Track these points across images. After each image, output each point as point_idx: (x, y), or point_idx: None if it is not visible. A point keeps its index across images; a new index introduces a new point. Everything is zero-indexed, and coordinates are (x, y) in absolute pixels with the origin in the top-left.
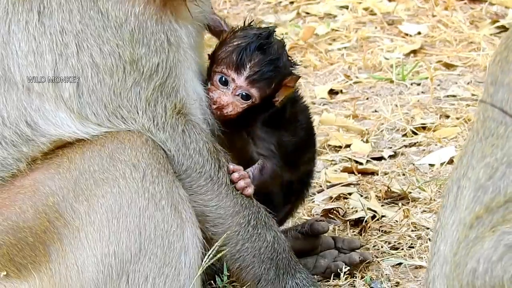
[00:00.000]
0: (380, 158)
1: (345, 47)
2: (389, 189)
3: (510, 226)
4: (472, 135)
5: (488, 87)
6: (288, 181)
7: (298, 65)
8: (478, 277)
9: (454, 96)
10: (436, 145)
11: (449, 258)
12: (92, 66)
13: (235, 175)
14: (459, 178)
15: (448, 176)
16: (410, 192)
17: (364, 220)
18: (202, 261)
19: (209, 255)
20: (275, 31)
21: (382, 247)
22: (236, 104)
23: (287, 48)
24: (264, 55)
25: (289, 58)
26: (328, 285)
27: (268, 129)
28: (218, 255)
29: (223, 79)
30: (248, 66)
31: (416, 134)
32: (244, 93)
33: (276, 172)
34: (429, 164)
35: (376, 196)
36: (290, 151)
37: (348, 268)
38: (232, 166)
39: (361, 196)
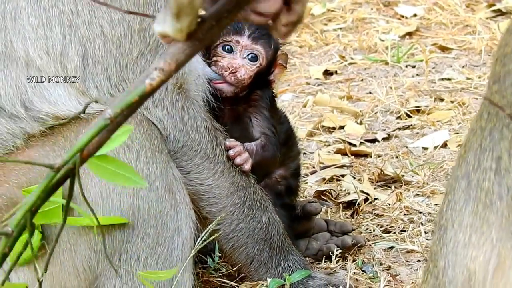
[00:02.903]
0: (373, 140)
1: (340, 28)
2: (382, 172)
3: None
4: (470, 134)
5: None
6: (285, 180)
7: (287, 43)
8: None
9: (449, 79)
10: (430, 128)
11: (483, 249)
12: (100, 36)
13: (231, 152)
14: (467, 173)
15: (441, 160)
16: (403, 176)
17: (357, 203)
18: (194, 242)
19: (203, 236)
20: None
21: (374, 230)
22: (247, 67)
23: None
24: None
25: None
26: (319, 267)
27: (270, 111)
28: (212, 237)
29: (227, 47)
30: (246, 27)
31: (410, 116)
32: (251, 54)
33: (276, 153)
34: (423, 147)
35: (369, 178)
36: (281, 140)
37: (340, 250)
38: (228, 143)
39: (354, 178)
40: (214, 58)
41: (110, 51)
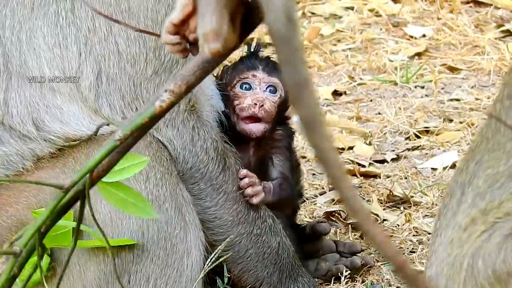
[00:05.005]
0: (382, 161)
1: (349, 48)
2: (391, 193)
3: (503, 219)
4: (481, 140)
5: (503, 98)
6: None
7: None
8: (479, 273)
9: (458, 100)
10: (439, 149)
11: (444, 259)
12: (115, 53)
13: (246, 180)
14: (464, 183)
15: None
16: (412, 196)
17: None
18: (204, 263)
19: (212, 258)
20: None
21: None
22: (270, 99)
23: None
24: (260, 55)
25: None
26: None
27: (290, 149)
28: (221, 259)
29: (245, 86)
30: (258, 62)
31: (419, 137)
32: (270, 87)
33: (293, 194)
34: (432, 168)
35: (378, 199)
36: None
37: (349, 271)
38: (244, 172)
39: (363, 199)
40: (236, 102)
41: (125, 69)
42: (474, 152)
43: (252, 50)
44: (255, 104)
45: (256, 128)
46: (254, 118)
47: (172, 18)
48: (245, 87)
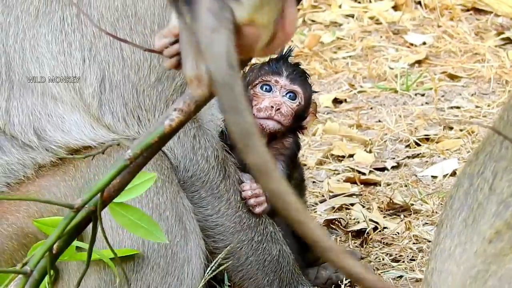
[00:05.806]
0: (383, 169)
1: (350, 56)
2: (391, 201)
3: None
4: (491, 133)
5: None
6: None
7: (316, 91)
8: None
9: (458, 107)
10: (439, 157)
11: (467, 271)
12: (119, 60)
13: (248, 193)
14: (472, 174)
15: (450, 189)
16: (412, 204)
17: (366, 232)
18: (204, 271)
19: (212, 266)
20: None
21: (383, 259)
22: (288, 104)
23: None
24: (289, 61)
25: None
26: None
27: (294, 159)
28: (221, 267)
29: (266, 87)
30: (284, 68)
31: (419, 145)
32: (290, 93)
33: None
34: (432, 176)
35: (378, 207)
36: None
37: (349, 279)
38: (248, 182)
39: (363, 207)
40: (254, 102)
41: (128, 75)
42: (485, 144)
43: (281, 54)
44: (272, 107)
45: (272, 124)
46: (270, 119)
47: (162, 31)
48: (266, 89)
